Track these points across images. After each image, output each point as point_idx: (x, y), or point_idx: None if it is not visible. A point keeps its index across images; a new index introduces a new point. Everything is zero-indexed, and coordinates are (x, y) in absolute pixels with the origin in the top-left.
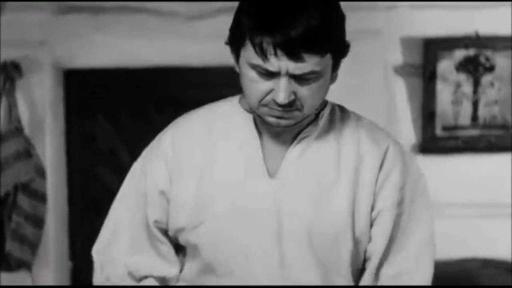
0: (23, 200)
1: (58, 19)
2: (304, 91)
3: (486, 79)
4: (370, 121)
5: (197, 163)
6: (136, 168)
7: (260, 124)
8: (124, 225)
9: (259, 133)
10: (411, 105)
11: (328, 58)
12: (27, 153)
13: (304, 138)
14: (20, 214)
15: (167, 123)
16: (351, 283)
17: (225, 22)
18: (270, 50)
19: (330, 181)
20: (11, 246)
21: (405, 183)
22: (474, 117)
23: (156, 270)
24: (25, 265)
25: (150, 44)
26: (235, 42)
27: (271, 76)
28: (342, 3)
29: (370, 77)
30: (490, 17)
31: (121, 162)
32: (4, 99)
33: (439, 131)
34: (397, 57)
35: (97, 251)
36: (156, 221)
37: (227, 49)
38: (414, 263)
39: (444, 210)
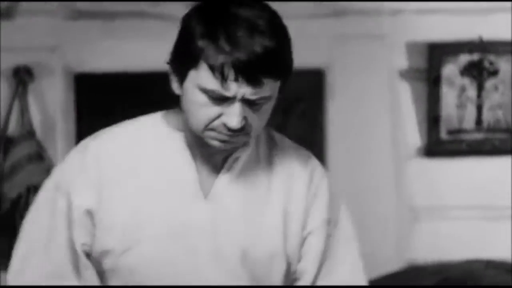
0: None
1: (69, 24)
2: (254, 116)
3: (490, 83)
4: (292, 142)
5: (127, 183)
6: (50, 187)
7: (192, 144)
8: (39, 248)
9: (191, 153)
10: (416, 109)
11: (278, 82)
12: (39, 156)
13: (235, 159)
14: None
15: None
16: None
17: None
18: (231, 75)
19: (262, 201)
20: None
21: (331, 202)
22: (478, 121)
23: None
24: None
25: (159, 49)
26: (184, 63)
27: (223, 100)
28: (348, 7)
29: (375, 81)
30: (493, 22)
31: None
32: (16, 103)
33: (444, 135)
34: (402, 62)
35: (13, 278)
36: (83, 244)
37: None
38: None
39: (448, 212)
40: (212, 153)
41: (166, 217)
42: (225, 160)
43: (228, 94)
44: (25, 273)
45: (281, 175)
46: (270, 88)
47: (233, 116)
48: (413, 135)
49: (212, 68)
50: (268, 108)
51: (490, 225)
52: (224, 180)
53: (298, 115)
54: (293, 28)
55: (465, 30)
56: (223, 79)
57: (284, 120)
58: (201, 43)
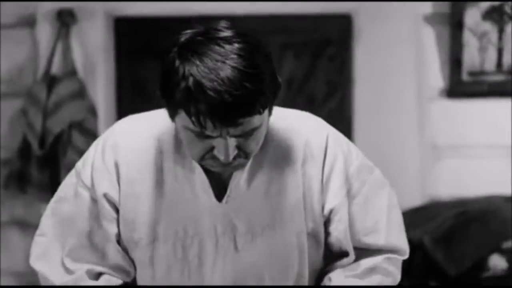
0: (77, 138)
1: None
2: (246, 143)
3: (510, 27)
4: (301, 113)
5: (149, 180)
6: (73, 177)
7: None
8: (72, 231)
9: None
10: (439, 52)
11: (265, 112)
12: (81, 94)
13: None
14: (74, 151)
15: None
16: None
17: None
18: (208, 122)
19: (279, 191)
20: None
21: (350, 170)
22: (499, 63)
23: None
24: None
25: None
26: (168, 107)
27: (211, 137)
28: None
29: (401, 26)
30: None
31: None
32: (59, 44)
33: (465, 77)
34: (426, 7)
35: (36, 259)
36: (115, 234)
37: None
38: (384, 236)
39: (469, 151)
40: None
41: (181, 216)
42: None
43: (213, 134)
44: (48, 258)
45: (295, 158)
46: (255, 120)
47: (222, 153)
48: (436, 77)
49: (189, 116)
50: (261, 132)
51: (509, 163)
52: (236, 180)
53: (327, 58)
54: None
55: None
56: (202, 127)
57: (313, 63)
58: (178, 93)
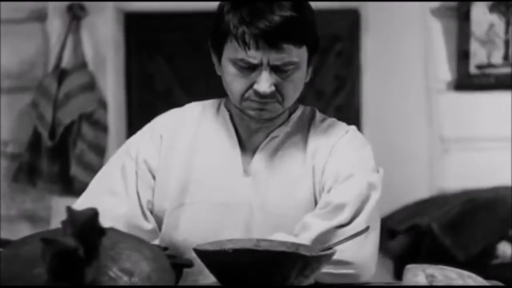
0: (86, 129)
1: None
2: (283, 83)
3: None
4: (334, 120)
5: (184, 150)
6: (122, 149)
7: (239, 122)
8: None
9: (237, 132)
10: (447, 45)
11: (304, 51)
12: (91, 86)
13: (274, 137)
14: (84, 142)
15: None
16: None
17: None
18: (252, 42)
19: (296, 176)
20: (76, 171)
21: (353, 160)
22: (506, 56)
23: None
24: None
25: None
26: (218, 40)
27: (252, 70)
28: None
29: (408, 19)
30: None
31: (177, 100)
32: (70, 37)
33: (472, 69)
34: (433, 1)
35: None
36: (148, 201)
37: None
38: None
39: (477, 143)
40: (254, 131)
41: (208, 187)
42: (266, 138)
43: (254, 61)
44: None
45: (316, 151)
46: (295, 54)
47: (261, 82)
48: (443, 70)
49: (236, 38)
50: (298, 77)
51: None
52: (261, 156)
53: (335, 53)
54: None
55: None
56: (246, 46)
57: (322, 58)
58: (227, 17)
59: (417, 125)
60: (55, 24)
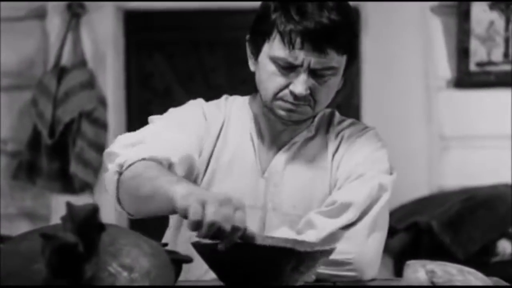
0: (86, 127)
1: None
2: (318, 88)
3: None
4: (353, 120)
5: (214, 142)
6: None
7: (264, 123)
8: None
9: (260, 133)
10: (447, 43)
11: (344, 58)
12: (90, 84)
13: (297, 142)
14: (83, 140)
15: (218, 63)
16: None
17: None
18: (298, 41)
19: (314, 178)
20: (75, 168)
21: (365, 159)
22: (506, 53)
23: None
24: (88, 187)
25: None
26: (261, 36)
27: (291, 70)
28: None
29: (408, 17)
30: None
31: (176, 98)
32: (69, 35)
33: (473, 67)
34: None
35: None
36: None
37: None
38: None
39: (476, 141)
40: (277, 134)
41: (227, 185)
42: (288, 142)
43: (296, 62)
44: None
45: (333, 151)
46: (335, 60)
47: (298, 84)
48: (443, 67)
49: (281, 35)
50: (333, 83)
51: None
52: (280, 158)
53: None
54: None
55: None
56: (291, 45)
57: None
58: (274, 15)
59: (416, 123)
60: (55, 22)
